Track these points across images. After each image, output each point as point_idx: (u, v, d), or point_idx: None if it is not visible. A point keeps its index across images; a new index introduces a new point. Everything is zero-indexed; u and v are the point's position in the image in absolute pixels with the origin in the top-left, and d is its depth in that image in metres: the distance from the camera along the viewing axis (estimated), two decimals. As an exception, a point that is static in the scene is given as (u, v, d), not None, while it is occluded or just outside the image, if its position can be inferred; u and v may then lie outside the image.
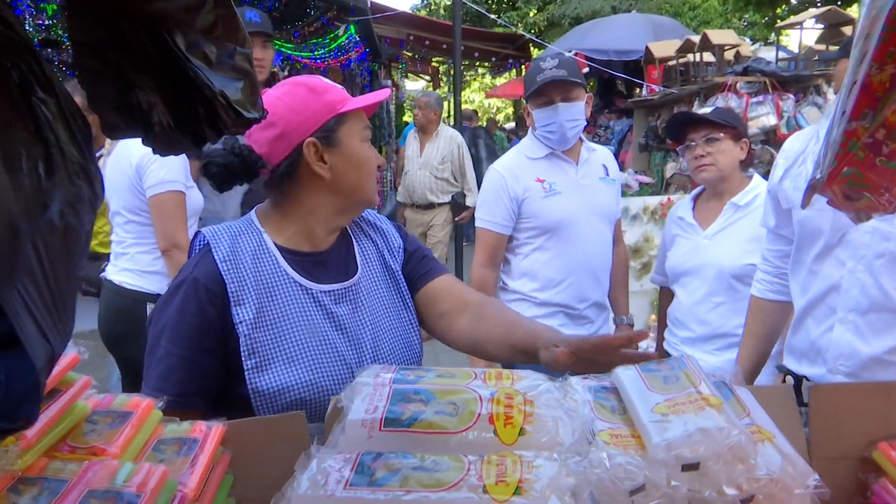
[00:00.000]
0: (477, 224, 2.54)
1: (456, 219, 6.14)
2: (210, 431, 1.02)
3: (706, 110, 2.46)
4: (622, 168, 6.92)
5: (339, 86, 1.42)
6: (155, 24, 0.80)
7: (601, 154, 2.63)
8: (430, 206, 6.04)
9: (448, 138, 6.04)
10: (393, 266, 1.53)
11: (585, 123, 2.48)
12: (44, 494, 0.83)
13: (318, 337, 1.33)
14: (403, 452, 0.79)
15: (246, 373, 1.27)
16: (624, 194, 5.17)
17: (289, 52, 7.26)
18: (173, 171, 2.64)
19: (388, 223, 1.62)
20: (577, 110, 2.39)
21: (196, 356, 1.28)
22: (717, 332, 2.26)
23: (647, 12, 12.28)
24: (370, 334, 1.41)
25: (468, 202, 6.00)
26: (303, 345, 1.31)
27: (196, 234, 1.41)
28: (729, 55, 6.17)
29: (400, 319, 1.50)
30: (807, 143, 1.54)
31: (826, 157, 0.82)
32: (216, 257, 1.31)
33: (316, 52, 7.58)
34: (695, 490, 0.83)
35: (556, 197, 2.42)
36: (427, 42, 10.45)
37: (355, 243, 1.52)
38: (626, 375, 1.01)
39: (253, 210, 1.46)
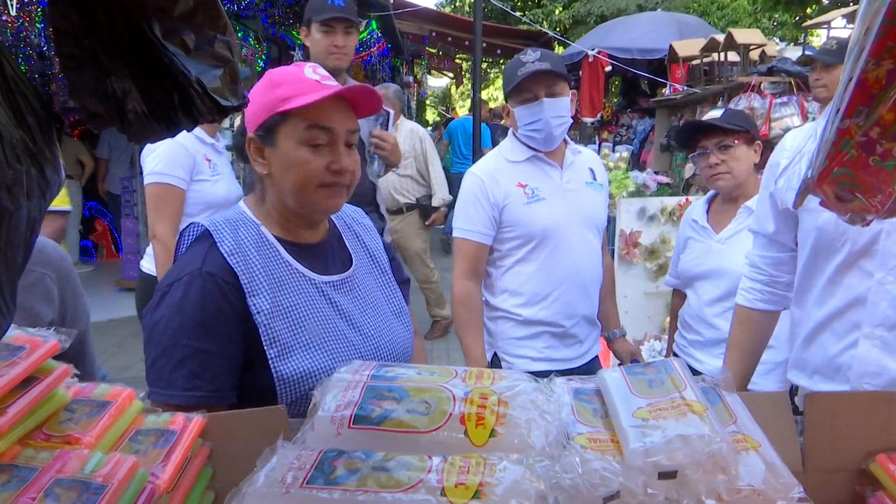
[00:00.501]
0: (455, 234, 2.35)
1: (426, 223, 5.63)
2: (189, 423, 1.02)
3: (715, 113, 2.37)
4: (642, 168, 6.85)
5: (316, 79, 1.33)
6: (130, 9, 0.79)
7: (587, 156, 2.46)
8: (399, 210, 5.47)
9: (408, 132, 5.52)
10: (379, 258, 1.55)
11: (571, 122, 2.32)
12: (13, 482, 0.82)
13: (328, 326, 1.34)
14: (367, 451, 0.77)
15: (270, 361, 1.26)
16: (641, 194, 5.11)
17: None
18: (163, 163, 2.71)
19: (368, 219, 1.63)
20: (562, 106, 2.21)
21: (227, 349, 1.26)
22: (726, 336, 2.17)
23: (675, 11, 12.12)
24: (371, 323, 1.42)
25: (434, 202, 5.50)
26: (316, 333, 1.31)
27: (189, 224, 1.39)
28: (754, 55, 6.07)
29: (393, 309, 1.52)
30: (805, 141, 1.48)
31: (818, 156, 0.78)
32: (223, 250, 1.30)
33: (337, 47, 7.58)
34: (672, 499, 0.81)
35: (539, 203, 2.24)
36: (449, 38, 10.42)
37: (344, 236, 1.52)
38: (610, 378, 0.99)
39: (242, 199, 1.45)
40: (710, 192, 2.53)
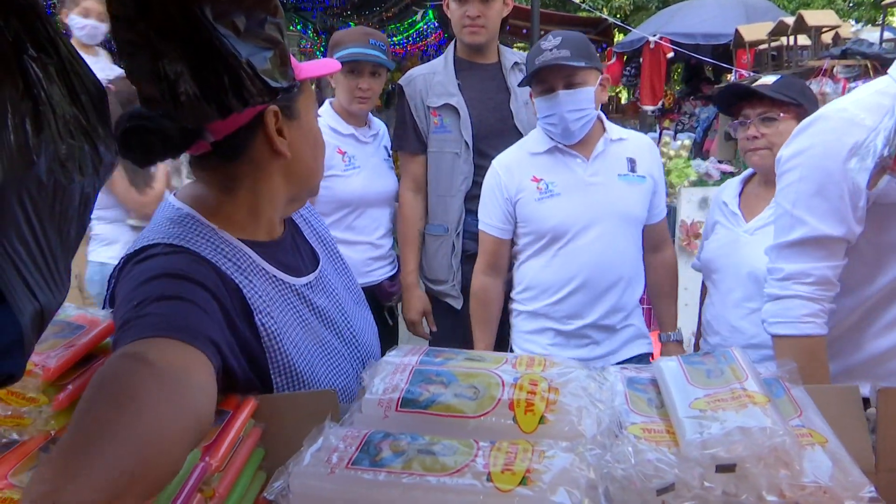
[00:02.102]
0: (479, 225, 2.26)
1: None
2: (242, 404, 1.03)
3: (768, 80, 2.08)
4: (706, 157, 6.64)
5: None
6: (182, -7, 0.80)
7: (631, 145, 2.17)
8: None
9: None
10: (331, 244, 1.41)
11: (597, 113, 2.11)
12: (71, 455, 0.85)
13: (318, 338, 1.19)
14: (414, 434, 0.76)
15: (275, 391, 1.11)
16: (704, 184, 4.96)
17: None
18: None
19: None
20: (582, 98, 2.01)
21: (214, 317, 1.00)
22: (751, 342, 1.93)
23: (742, -6, 11.67)
24: (346, 323, 1.29)
25: None
26: (312, 350, 1.17)
27: (143, 248, 1.05)
28: (827, 38, 5.78)
29: (355, 299, 1.38)
30: (881, 118, 1.33)
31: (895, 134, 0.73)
32: (213, 258, 1.06)
33: (395, 38, 7.63)
34: (731, 494, 0.77)
35: (552, 199, 2.08)
36: (507, 27, 10.31)
37: (301, 228, 1.35)
38: (667, 367, 0.95)
39: (172, 202, 1.15)
40: (746, 172, 2.25)
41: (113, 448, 0.65)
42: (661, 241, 2.32)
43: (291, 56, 1.29)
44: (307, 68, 1.19)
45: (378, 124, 2.79)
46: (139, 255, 1.04)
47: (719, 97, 2.17)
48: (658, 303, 2.39)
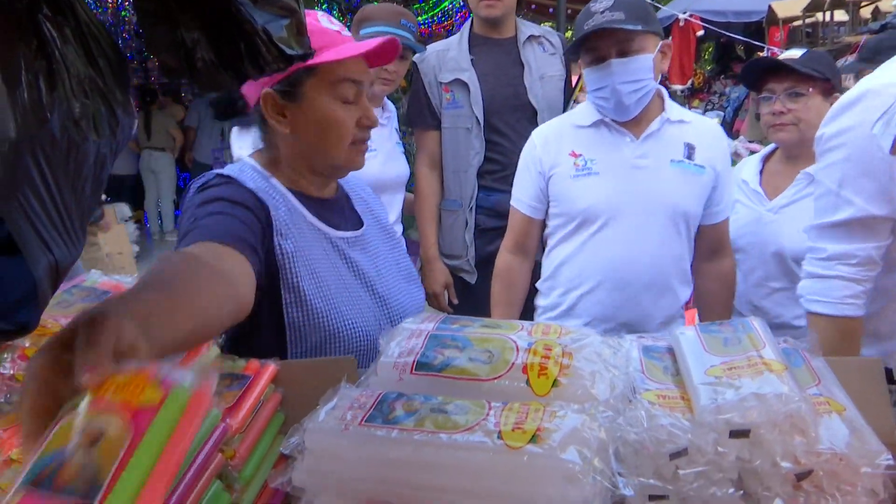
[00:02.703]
0: (511, 201, 2.05)
1: None
2: (262, 370, 1.05)
3: (794, 53, 2.00)
4: (735, 136, 6.51)
5: (337, 30, 1.28)
6: (199, -40, 0.80)
7: (693, 129, 1.88)
8: None
9: None
10: (387, 226, 1.52)
11: (656, 86, 1.85)
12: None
13: (343, 282, 1.30)
14: (427, 395, 0.77)
15: (284, 306, 1.23)
16: (733, 164, 4.87)
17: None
18: None
19: (370, 190, 1.58)
20: (638, 67, 1.75)
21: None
22: (773, 322, 1.82)
23: (776, -31, 11.33)
24: (383, 283, 1.38)
25: None
26: (332, 287, 1.28)
27: (203, 176, 1.29)
28: (865, 12, 5.61)
29: (404, 275, 1.47)
30: None
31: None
32: (250, 186, 1.25)
33: (419, 18, 7.59)
34: (745, 459, 0.77)
35: (589, 178, 1.83)
36: (533, 6, 10.19)
37: (351, 198, 1.48)
38: (684, 336, 0.95)
39: (246, 158, 1.38)
40: (767, 149, 2.15)
41: (158, 296, 0.72)
42: (719, 246, 1.97)
43: (346, 35, 1.29)
44: (328, 53, 1.22)
45: (390, 107, 2.74)
46: (202, 187, 1.25)
47: (745, 72, 2.11)
48: (707, 316, 2.04)
